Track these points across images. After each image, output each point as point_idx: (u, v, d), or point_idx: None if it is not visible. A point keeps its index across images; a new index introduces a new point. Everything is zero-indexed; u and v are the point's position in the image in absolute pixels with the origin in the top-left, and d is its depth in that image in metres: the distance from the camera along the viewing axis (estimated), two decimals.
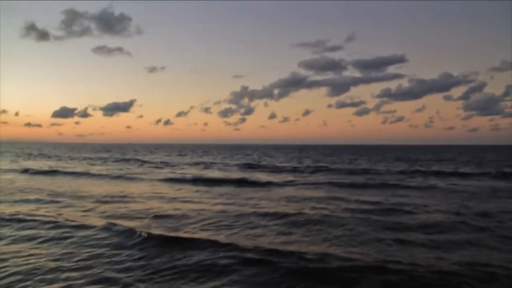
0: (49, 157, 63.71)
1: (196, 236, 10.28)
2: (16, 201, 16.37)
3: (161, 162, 48.76)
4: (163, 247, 9.06)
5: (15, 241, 9.75)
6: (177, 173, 32.79)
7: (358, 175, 31.06)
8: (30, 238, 9.95)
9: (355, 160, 55.87)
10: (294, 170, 36.96)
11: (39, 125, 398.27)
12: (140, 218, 12.92)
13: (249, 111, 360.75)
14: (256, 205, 15.78)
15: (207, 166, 43.56)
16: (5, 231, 10.74)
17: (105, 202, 16.43)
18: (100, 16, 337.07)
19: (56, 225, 11.42)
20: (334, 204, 16.14)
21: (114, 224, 11.28)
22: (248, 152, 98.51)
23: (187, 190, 21.27)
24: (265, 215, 13.35)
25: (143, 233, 10.06)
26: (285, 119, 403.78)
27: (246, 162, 49.48)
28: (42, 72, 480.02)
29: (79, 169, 36.35)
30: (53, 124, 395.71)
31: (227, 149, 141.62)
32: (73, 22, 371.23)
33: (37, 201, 16.51)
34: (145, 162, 49.69)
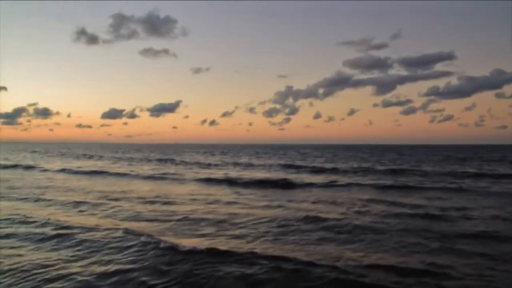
0: (91, 156, 65.41)
1: (226, 242, 9.69)
2: (46, 201, 16.42)
3: (202, 163, 48.70)
4: (185, 256, 8.35)
5: (41, 246, 9.48)
6: (217, 173, 32.42)
7: (404, 177, 29.71)
8: (53, 242, 9.64)
9: (401, 161, 53.97)
10: (338, 170, 35.88)
11: (89, 126, 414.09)
12: (166, 220, 12.44)
13: (294, 111, 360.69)
14: (296, 208, 15.02)
15: (249, 166, 43.14)
16: (24, 230, 10.59)
17: (138, 203, 16.14)
18: (146, 19, 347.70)
19: (63, 226, 11.18)
20: (378, 207, 15.14)
21: (135, 229, 10.85)
22: (291, 152, 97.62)
23: (224, 192, 20.82)
24: (305, 219, 12.57)
25: (161, 240, 9.59)
26: (330, 119, 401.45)
27: (288, 162, 48.68)
28: (92, 74, 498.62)
29: (119, 169, 36.69)
30: (102, 125, 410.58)
31: (272, 149, 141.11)
32: (120, 26, 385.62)
33: (61, 202, 16.34)
34: (188, 163, 49.75)
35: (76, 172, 33.45)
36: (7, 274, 7.30)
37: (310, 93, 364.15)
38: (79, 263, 7.91)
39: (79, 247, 9.08)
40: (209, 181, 26.63)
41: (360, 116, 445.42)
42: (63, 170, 34.92)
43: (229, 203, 16.62)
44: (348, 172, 34.49)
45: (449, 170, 35.15)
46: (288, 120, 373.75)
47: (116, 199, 17.34)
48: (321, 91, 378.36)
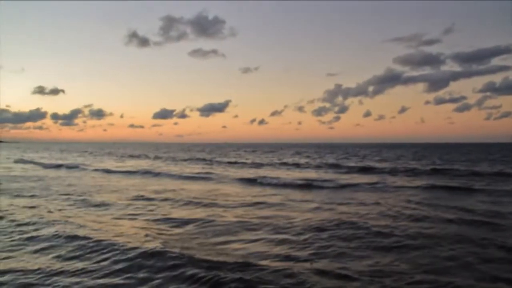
0: (137, 156, 66.79)
1: (264, 250, 9.07)
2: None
3: (249, 163, 48.57)
4: (194, 266, 7.65)
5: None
6: (263, 173, 31.69)
7: (457, 177, 28.06)
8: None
9: (453, 160, 51.56)
10: (387, 170, 34.53)
11: (141, 126, 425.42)
12: (185, 223, 12.06)
13: (343, 109, 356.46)
14: (341, 212, 14.19)
15: (295, 166, 42.60)
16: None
17: (172, 206, 15.74)
18: (195, 20, 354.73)
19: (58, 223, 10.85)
20: (429, 212, 14.00)
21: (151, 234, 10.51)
22: (340, 151, 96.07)
23: (268, 193, 20.27)
24: (350, 224, 11.74)
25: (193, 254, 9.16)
26: (381, 117, 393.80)
27: (336, 162, 47.70)
28: (143, 76, 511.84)
29: (162, 169, 37.06)
30: (154, 125, 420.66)
31: (320, 148, 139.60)
32: (170, 28, 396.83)
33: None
34: (235, 162, 49.82)
35: (115, 172, 34.78)
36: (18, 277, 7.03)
37: (360, 91, 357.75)
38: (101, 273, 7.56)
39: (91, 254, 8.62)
40: (253, 181, 26.23)
41: (411, 114, 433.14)
42: (100, 170, 36.53)
43: (273, 205, 16.04)
44: (398, 171, 33.21)
45: (506, 170, 33.08)
46: (337, 118, 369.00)
47: (151, 199, 17.23)
48: (371, 89, 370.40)
